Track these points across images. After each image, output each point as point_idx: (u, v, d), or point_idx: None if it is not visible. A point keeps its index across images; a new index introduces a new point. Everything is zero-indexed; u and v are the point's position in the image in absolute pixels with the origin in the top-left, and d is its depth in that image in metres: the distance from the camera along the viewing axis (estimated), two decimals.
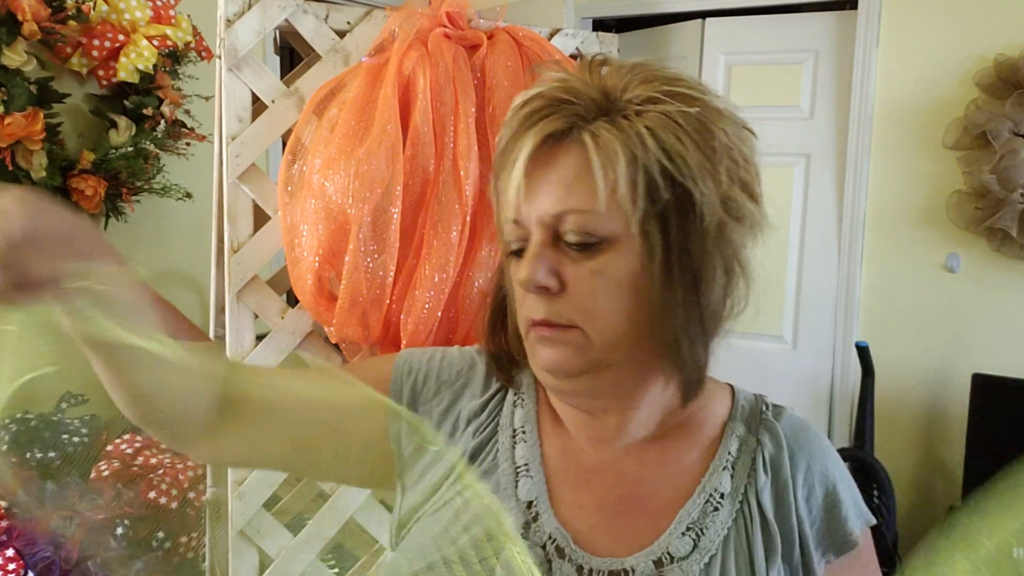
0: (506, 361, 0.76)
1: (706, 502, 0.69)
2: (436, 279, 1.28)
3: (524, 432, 0.74)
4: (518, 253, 0.67)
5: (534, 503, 0.70)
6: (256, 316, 1.38)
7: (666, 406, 0.72)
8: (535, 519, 0.70)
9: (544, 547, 0.68)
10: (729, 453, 0.72)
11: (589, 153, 0.62)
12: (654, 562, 0.67)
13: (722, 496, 0.70)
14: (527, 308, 0.66)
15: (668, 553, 0.67)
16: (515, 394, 0.77)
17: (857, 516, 0.73)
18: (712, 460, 0.71)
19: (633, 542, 0.68)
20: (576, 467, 0.72)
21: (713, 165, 0.63)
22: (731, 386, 0.78)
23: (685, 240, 0.63)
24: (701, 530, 0.68)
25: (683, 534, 0.68)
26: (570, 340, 0.65)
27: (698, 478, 0.71)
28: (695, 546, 0.67)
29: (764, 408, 0.75)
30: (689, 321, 0.64)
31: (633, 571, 0.66)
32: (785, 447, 0.72)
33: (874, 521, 0.74)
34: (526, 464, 0.72)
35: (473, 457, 0.74)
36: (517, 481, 0.72)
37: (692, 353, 0.66)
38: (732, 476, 0.71)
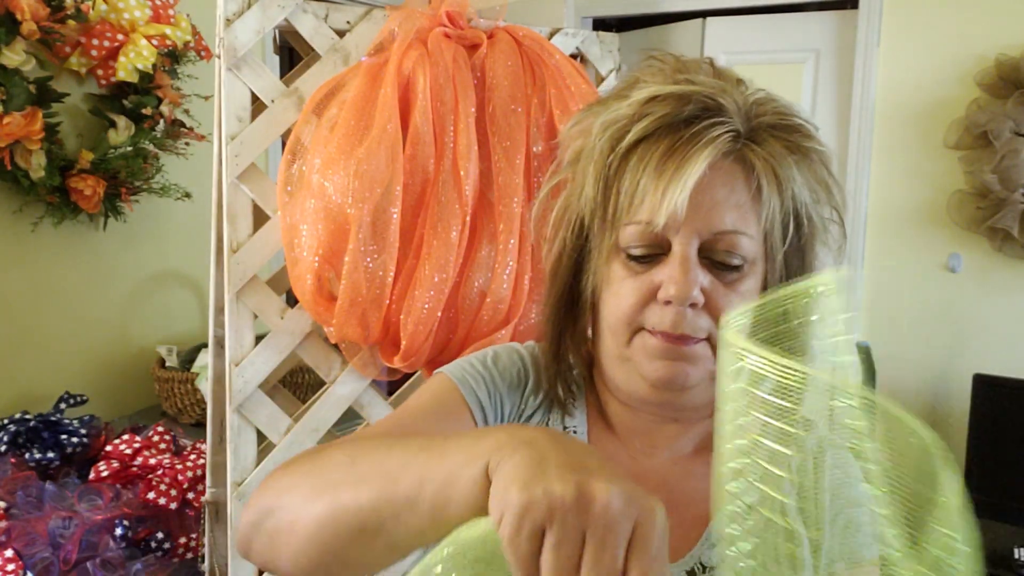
0: (571, 376, 0.74)
1: None
2: (436, 279, 1.28)
3: (575, 434, 0.73)
4: (640, 259, 0.65)
5: None
6: (256, 316, 1.38)
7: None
8: None
9: None
10: None
11: (761, 177, 0.63)
12: (687, 572, 0.67)
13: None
14: (651, 319, 0.64)
15: (700, 563, 0.68)
16: (565, 400, 0.75)
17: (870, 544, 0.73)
18: None
19: (671, 552, 0.68)
20: (626, 472, 0.72)
21: (832, 201, 0.67)
22: None
23: (803, 270, 0.67)
24: None
25: (715, 545, 0.68)
26: (697, 353, 0.64)
27: None
28: None
29: None
30: None
31: None
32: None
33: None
34: None
35: None
36: None
37: None
38: None
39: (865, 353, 2.52)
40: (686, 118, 0.63)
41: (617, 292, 0.66)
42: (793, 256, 0.66)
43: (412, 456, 0.50)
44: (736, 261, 0.63)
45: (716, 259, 0.64)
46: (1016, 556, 2.11)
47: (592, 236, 0.68)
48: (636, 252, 0.65)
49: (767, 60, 2.91)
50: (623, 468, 0.72)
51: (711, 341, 0.64)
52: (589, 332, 0.73)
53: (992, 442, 2.30)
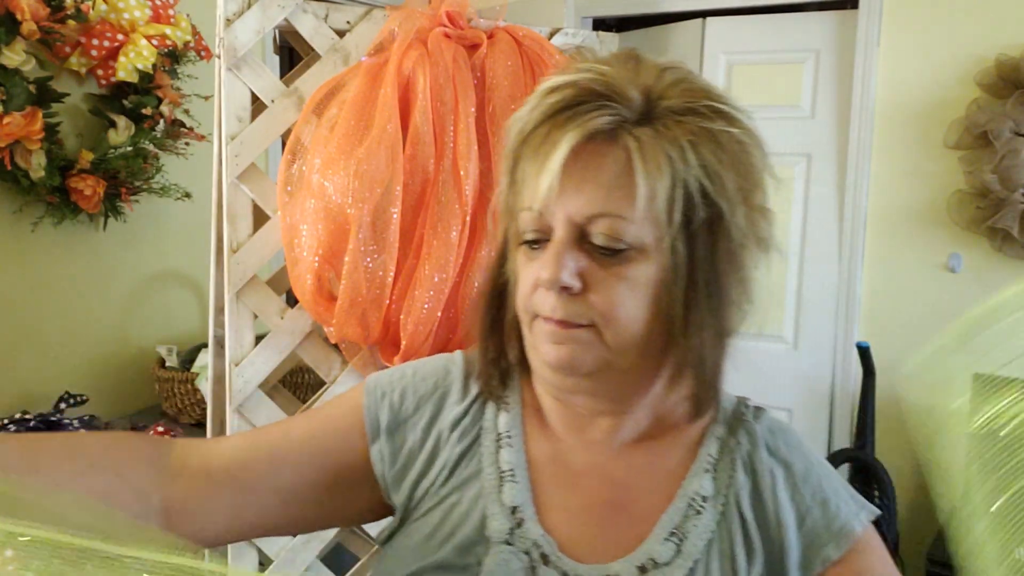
0: (504, 369, 0.74)
1: (688, 506, 0.69)
2: (436, 279, 1.28)
3: (509, 437, 0.73)
4: (533, 243, 0.66)
5: (519, 508, 0.70)
6: (256, 316, 1.38)
7: (658, 411, 0.72)
8: (520, 525, 0.69)
9: (528, 553, 0.67)
10: (710, 455, 0.71)
11: (633, 159, 0.61)
12: (638, 568, 0.66)
13: (704, 499, 0.69)
14: (538, 303, 0.65)
15: (652, 559, 0.67)
16: (499, 398, 0.76)
17: (856, 509, 0.71)
18: (693, 463, 0.71)
19: (618, 548, 0.67)
20: (563, 470, 0.72)
21: (748, 188, 0.63)
22: None
23: (712, 259, 0.63)
24: (684, 535, 0.67)
25: (666, 539, 0.67)
26: (583, 338, 0.64)
27: (679, 481, 0.70)
28: (678, 551, 0.67)
29: (745, 409, 0.75)
30: (712, 341, 0.65)
31: None
32: (762, 446, 0.72)
33: (878, 512, 0.73)
34: (511, 469, 0.71)
35: (458, 463, 0.73)
36: (502, 486, 0.71)
37: (713, 371, 0.66)
38: (714, 479, 0.70)
39: (865, 353, 2.52)
40: (569, 105, 0.63)
41: (520, 280, 0.68)
42: (694, 244, 0.63)
43: None
44: (613, 245, 0.62)
45: (596, 243, 0.63)
46: (1017, 557, 2.11)
47: (509, 228, 0.70)
48: (529, 238, 0.66)
49: (767, 60, 2.91)
50: (565, 466, 0.72)
51: (596, 327, 0.63)
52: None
53: None
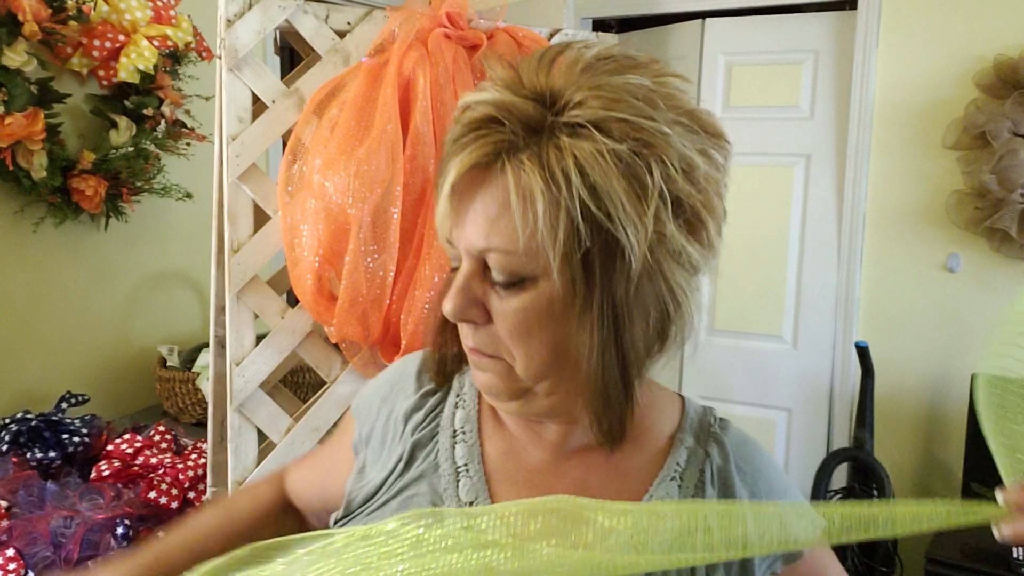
0: (451, 360, 0.76)
1: None
2: (436, 279, 1.28)
3: (464, 432, 0.74)
4: (456, 270, 0.65)
5: (474, 503, 0.70)
6: (256, 316, 1.38)
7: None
8: None
9: None
10: (678, 464, 0.71)
11: (509, 191, 0.58)
12: None
13: None
14: (461, 331, 0.67)
15: None
16: (456, 395, 0.77)
17: (807, 525, 0.71)
18: (660, 470, 0.70)
19: None
20: (518, 466, 0.72)
21: (644, 207, 0.57)
22: (682, 397, 0.77)
23: (608, 283, 0.59)
24: None
25: None
26: (496, 368, 0.65)
27: (645, 487, 0.70)
28: None
29: (712, 421, 0.74)
30: (605, 366, 0.61)
31: None
32: (732, 460, 0.71)
33: (825, 523, 0.73)
34: (465, 464, 0.72)
35: (412, 456, 0.74)
36: (458, 481, 0.72)
37: (616, 397, 0.63)
38: (680, 487, 0.70)
39: (864, 353, 2.52)
40: (467, 129, 0.60)
41: None
42: (589, 269, 0.58)
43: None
44: (507, 278, 0.60)
45: (492, 278, 0.62)
46: (1016, 556, 2.11)
47: None
48: (453, 265, 0.66)
49: (766, 60, 2.92)
50: (519, 462, 0.72)
51: (504, 358, 0.64)
52: None
53: None
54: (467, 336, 0.66)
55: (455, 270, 0.65)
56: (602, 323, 0.60)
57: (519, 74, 0.62)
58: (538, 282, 0.60)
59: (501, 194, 0.59)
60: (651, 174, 0.57)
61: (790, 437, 2.90)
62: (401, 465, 0.74)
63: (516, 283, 0.61)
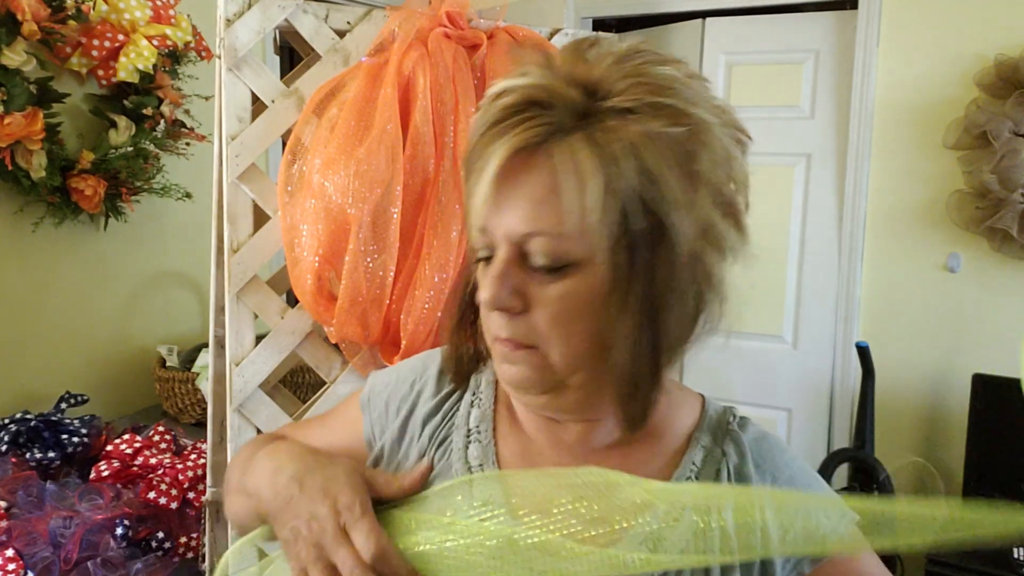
0: (467, 360, 0.74)
1: None
2: (436, 279, 1.28)
3: (479, 432, 0.73)
4: (487, 260, 0.64)
5: (488, 506, 0.69)
6: (256, 316, 1.38)
7: None
8: None
9: None
10: (694, 464, 0.70)
11: (560, 173, 0.57)
12: None
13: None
14: (491, 322, 0.64)
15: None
16: (472, 394, 0.76)
17: (836, 520, 0.67)
18: (676, 470, 0.69)
19: None
20: (533, 467, 0.71)
21: (694, 192, 0.58)
22: (702, 396, 0.76)
23: (652, 269, 0.59)
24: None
25: (642, 542, 0.65)
26: (530, 360, 0.63)
27: None
28: None
29: (731, 419, 0.73)
30: (640, 354, 0.61)
31: None
32: (750, 459, 0.70)
33: (858, 517, 0.72)
34: (480, 464, 0.71)
35: (428, 459, 0.73)
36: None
37: (646, 386, 0.63)
38: None
39: (864, 353, 2.52)
40: (507, 114, 0.59)
41: (480, 297, 0.65)
42: (634, 255, 0.58)
43: (273, 480, 0.70)
44: (550, 263, 0.59)
45: (534, 263, 0.60)
46: (1016, 556, 2.11)
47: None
48: (481, 255, 0.64)
49: (767, 60, 2.92)
50: (534, 463, 0.71)
51: (540, 350, 0.62)
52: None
53: (991, 442, 2.30)
54: (500, 327, 0.63)
55: (481, 260, 0.64)
56: (642, 309, 0.59)
57: (554, 63, 0.61)
58: (582, 267, 0.59)
59: (548, 177, 0.58)
60: (699, 160, 0.58)
61: (790, 437, 2.90)
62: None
63: (560, 268, 0.60)
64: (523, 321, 0.62)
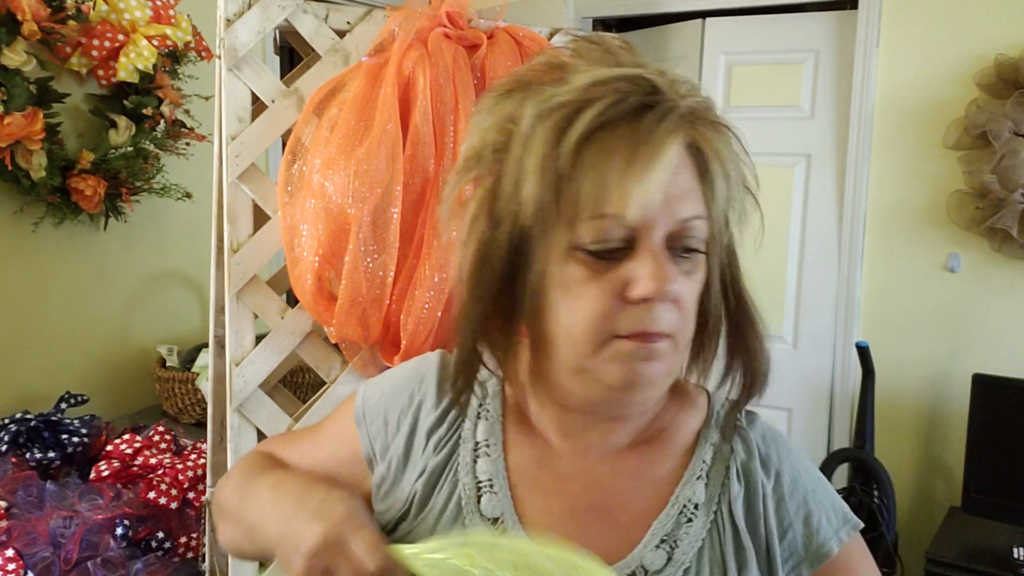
0: (477, 367, 0.69)
1: (680, 513, 0.68)
2: (436, 279, 1.28)
3: (488, 446, 0.71)
4: (602, 256, 0.59)
5: (500, 519, 0.68)
6: (256, 316, 1.38)
7: (652, 412, 0.71)
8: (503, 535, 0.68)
9: None
10: (704, 462, 0.70)
11: (710, 159, 0.61)
12: (628, 575, 0.66)
13: (696, 507, 0.68)
14: (627, 321, 0.59)
15: (642, 566, 0.66)
16: (479, 405, 0.74)
17: (838, 525, 0.70)
18: (686, 470, 0.70)
19: (606, 555, 0.64)
20: (547, 475, 0.70)
21: (747, 184, 0.66)
22: (707, 392, 0.76)
23: (730, 257, 0.68)
24: (675, 542, 0.66)
25: (657, 546, 0.66)
26: (664, 350, 0.61)
27: (672, 488, 0.69)
28: (669, 559, 0.66)
29: (738, 414, 0.73)
30: (751, 327, 0.68)
31: None
32: (757, 455, 0.71)
33: (862, 525, 0.72)
34: (489, 479, 0.70)
35: (435, 474, 0.72)
36: (480, 497, 0.70)
37: (764, 349, 0.68)
38: (707, 485, 0.69)
39: (864, 353, 2.52)
40: (639, 103, 0.58)
41: (579, 297, 0.60)
42: (729, 241, 0.67)
43: (270, 512, 0.69)
44: (698, 246, 0.62)
45: (676, 247, 0.61)
46: (1016, 556, 2.11)
47: (534, 236, 0.61)
48: (597, 248, 0.59)
49: (767, 60, 2.92)
50: (549, 470, 0.71)
51: (673, 336, 0.61)
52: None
53: (991, 442, 2.30)
54: (655, 320, 0.59)
55: (600, 253, 0.60)
56: (733, 288, 0.68)
57: (621, 57, 0.64)
58: (704, 252, 0.64)
59: (694, 164, 0.62)
60: (746, 152, 0.65)
61: (790, 437, 2.89)
62: (427, 487, 0.72)
63: (697, 252, 0.63)
64: (676, 309, 0.61)
